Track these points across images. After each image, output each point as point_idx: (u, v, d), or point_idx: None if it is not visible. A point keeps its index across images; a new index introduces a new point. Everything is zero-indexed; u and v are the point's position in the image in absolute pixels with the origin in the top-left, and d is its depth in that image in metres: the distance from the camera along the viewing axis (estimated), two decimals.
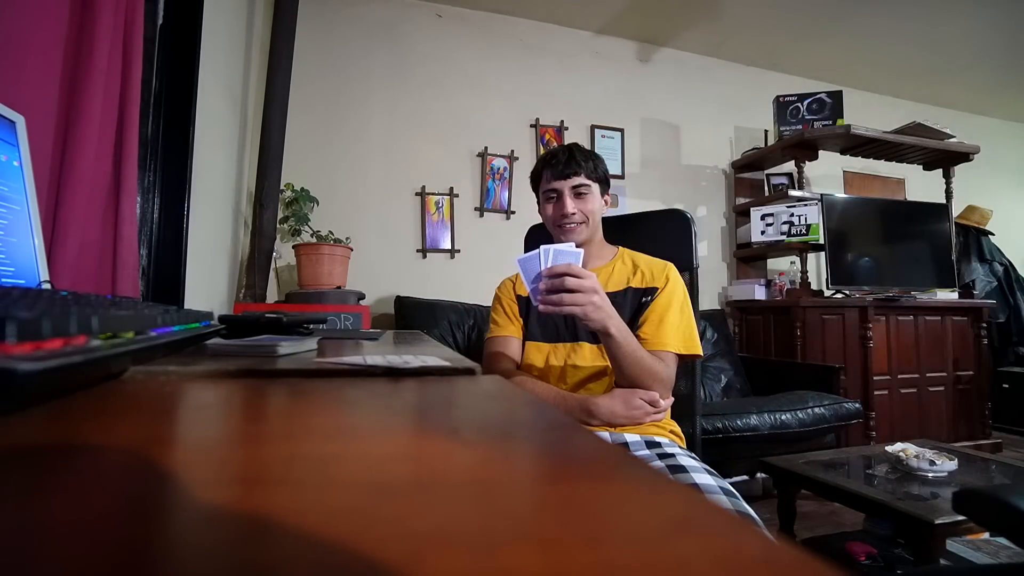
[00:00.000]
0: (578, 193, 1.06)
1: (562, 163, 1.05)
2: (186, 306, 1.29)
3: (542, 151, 2.67)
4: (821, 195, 2.59)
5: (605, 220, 1.15)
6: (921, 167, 3.08)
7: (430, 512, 0.13)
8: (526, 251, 1.33)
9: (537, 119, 2.69)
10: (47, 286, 0.56)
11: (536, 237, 1.28)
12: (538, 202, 1.13)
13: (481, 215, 2.58)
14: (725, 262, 3.02)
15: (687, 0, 2.58)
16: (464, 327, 2.19)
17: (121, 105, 0.89)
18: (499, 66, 2.68)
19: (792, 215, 2.62)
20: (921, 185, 3.33)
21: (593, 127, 2.79)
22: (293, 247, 2.00)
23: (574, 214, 1.04)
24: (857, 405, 2.09)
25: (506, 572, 0.10)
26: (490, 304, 1.16)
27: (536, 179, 1.13)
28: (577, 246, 0.84)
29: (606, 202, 1.11)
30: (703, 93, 3.05)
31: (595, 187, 1.07)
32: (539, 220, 1.24)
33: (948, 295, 2.76)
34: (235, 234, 1.90)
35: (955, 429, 2.67)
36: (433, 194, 2.50)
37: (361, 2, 2.48)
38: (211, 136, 1.52)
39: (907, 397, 2.57)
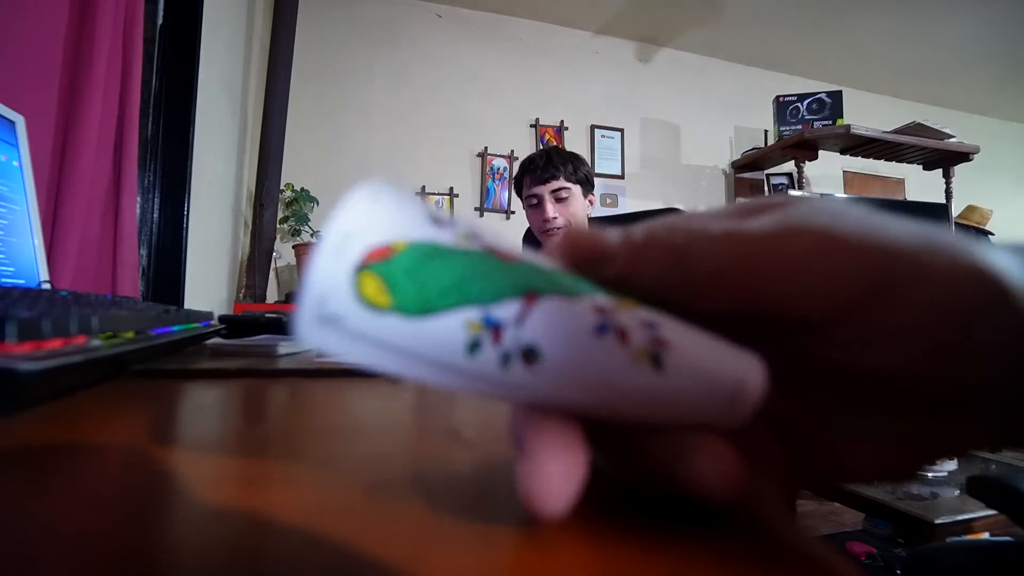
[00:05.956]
0: (558, 197, 1.06)
1: (540, 168, 1.06)
2: (186, 306, 1.29)
3: None
4: (821, 195, 2.59)
5: (602, 220, 1.15)
6: (921, 167, 3.08)
7: (430, 512, 0.13)
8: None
9: (537, 119, 2.69)
10: (47, 286, 0.56)
11: (533, 241, 1.28)
12: (524, 208, 1.14)
13: (481, 215, 2.58)
14: None
15: (687, 0, 2.58)
16: None
17: (121, 105, 0.89)
18: (499, 66, 2.68)
19: None
20: (921, 185, 3.33)
21: (593, 127, 2.79)
22: (293, 247, 2.00)
23: (555, 218, 1.04)
24: None
25: (506, 572, 0.10)
26: None
27: (519, 185, 1.14)
28: None
29: (590, 202, 1.11)
30: (703, 93, 3.05)
31: (576, 189, 1.07)
32: None
33: None
34: (235, 234, 1.90)
35: None
36: (433, 194, 2.50)
37: (361, 2, 2.48)
38: (211, 136, 1.52)
39: None
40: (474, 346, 0.10)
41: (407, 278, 0.10)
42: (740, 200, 0.14)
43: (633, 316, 0.11)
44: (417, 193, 2.49)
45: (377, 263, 0.10)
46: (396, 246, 0.11)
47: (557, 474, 0.11)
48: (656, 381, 0.11)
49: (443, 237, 0.11)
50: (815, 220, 0.12)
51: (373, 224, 0.11)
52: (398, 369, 0.11)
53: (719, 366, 0.11)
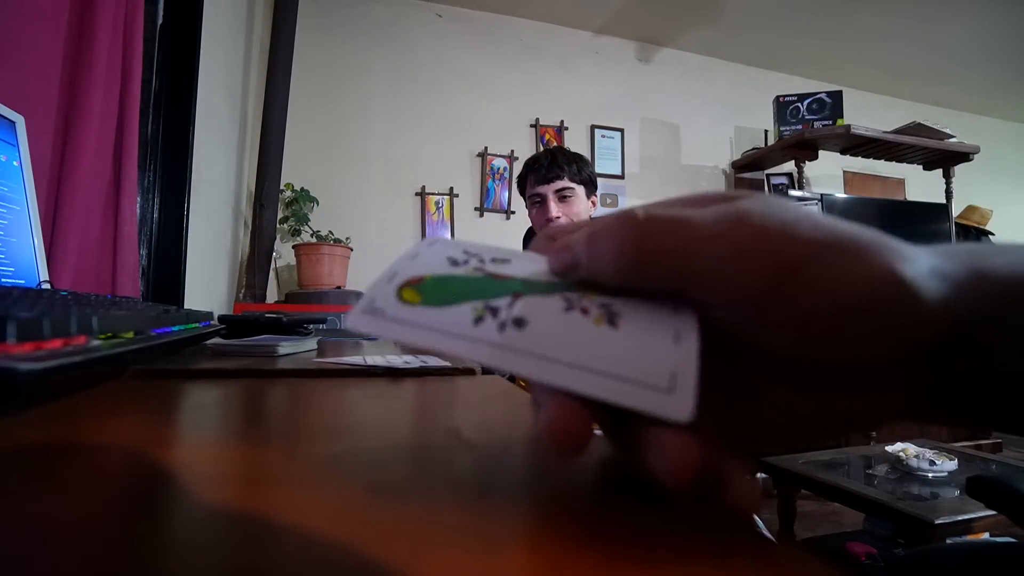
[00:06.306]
0: (562, 197, 1.06)
1: (544, 167, 1.06)
2: (186, 306, 1.29)
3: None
4: (821, 195, 2.58)
5: None
6: (921, 167, 3.08)
7: (430, 512, 0.13)
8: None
9: (537, 119, 2.69)
10: (47, 286, 0.56)
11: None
12: (526, 207, 1.14)
13: (481, 215, 2.58)
14: None
15: (687, 0, 2.58)
16: None
17: (121, 105, 0.89)
18: (499, 66, 2.68)
19: None
20: (921, 185, 3.33)
21: (593, 127, 2.79)
22: (293, 247, 2.00)
23: (559, 218, 1.04)
24: None
25: (506, 572, 0.10)
26: None
27: (522, 184, 1.14)
28: None
29: (593, 203, 1.11)
30: (703, 93, 3.04)
31: (580, 189, 1.07)
32: None
33: None
34: (235, 234, 1.90)
35: (955, 428, 2.67)
36: (433, 194, 2.50)
37: (361, 2, 2.48)
38: (211, 136, 1.52)
39: None
40: (479, 319, 0.14)
41: (432, 289, 0.15)
42: (692, 194, 0.16)
43: (592, 300, 0.15)
44: (417, 193, 2.49)
45: (413, 284, 0.16)
46: (425, 277, 0.16)
47: (572, 422, 0.14)
48: (612, 334, 0.14)
49: (457, 272, 0.16)
50: (752, 215, 0.14)
51: (411, 267, 0.16)
52: (421, 340, 0.14)
53: (662, 320, 0.15)
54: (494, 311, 0.15)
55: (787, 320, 0.14)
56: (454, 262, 0.17)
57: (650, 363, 0.13)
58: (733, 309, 0.14)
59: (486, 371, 0.46)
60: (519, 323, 0.14)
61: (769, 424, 0.16)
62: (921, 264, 0.14)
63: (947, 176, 2.94)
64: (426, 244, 0.18)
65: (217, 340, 0.55)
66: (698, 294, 0.14)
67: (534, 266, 0.17)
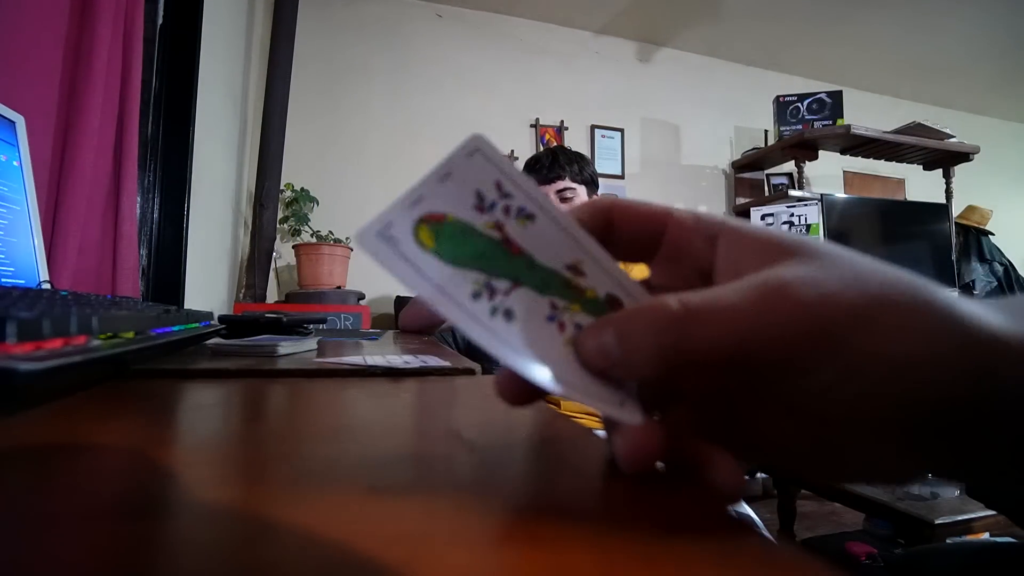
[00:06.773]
0: (563, 197, 1.06)
1: (546, 167, 1.06)
2: (186, 306, 1.29)
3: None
4: (821, 195, 2.58)
5: None
6: (921, 167, 3.08)
7: (430, 512, 0.13)
8: None
9: (537, 119, 2.69)
10: (47, 286, 0.56)
11: None
12: None
13: None
14: None
15: (687, 0, 2.58)
16: None
17: (121, 105, 0.89)
18: (499, 66, 2.67)
19: (792, 215, 2.62)
20: (921, 185, 3.33)
21: (593, 127, 2.79)
22: (293, 247, 1.99)
23: None
24: None
25: (506, 572, 0.10)
26: None
27: None
28: None
29: None
30: (703, 93, 3.04)
31: (581, 189, 1.07)
32: None
33: None
34: (235, 234, 1.90)
35: None
36: None
37: (361, 2, 2.48)
38: (211, 136, 1.52)
39: None
40: (477, 295, 0.15)
41: (448, 239, 0.16)
42: (753, 237, 0.17)
43: (571, 317, 0.17)
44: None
45: (432, 223, 0.16)
46: (448, 217, 0.16)
47: (516, 383, 0.16)
48: (574, 358, 0.16)
49: (477, 221, 0.16)
50: (790, 288, 0.14)
51: (439, 197, 0.16)
52: (422, 291, 0.15)
53: None
54: (492, 292, 0.16)
55: (826, 383, 0.14)
56: (479, 203, 0.16)
57: (603, 390, 0.16)
58: (766, 375, 0.15)
59: (486, 371, 0.46)
60: (508, 315, 0.16)
61: (770, 440, 0.16)
62: (970, 327, 0.13)
63: (947, 176, 2.94)
64: (464, 153, 0.16)
65: (217, 340, 0.55)
66: (735, 369, 0.15)
67: (548, 237, 0.17)
